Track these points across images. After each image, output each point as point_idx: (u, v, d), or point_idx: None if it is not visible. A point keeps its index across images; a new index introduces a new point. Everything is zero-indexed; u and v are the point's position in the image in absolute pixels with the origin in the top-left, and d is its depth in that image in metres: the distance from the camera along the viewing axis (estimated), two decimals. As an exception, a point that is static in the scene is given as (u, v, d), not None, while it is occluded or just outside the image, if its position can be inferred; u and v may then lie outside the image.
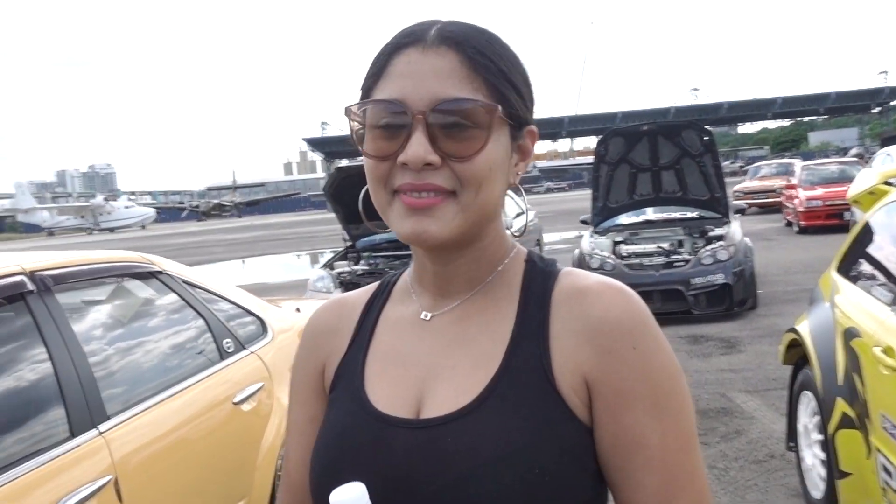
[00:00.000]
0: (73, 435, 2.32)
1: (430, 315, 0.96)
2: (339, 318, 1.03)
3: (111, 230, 76.30)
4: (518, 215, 9.23)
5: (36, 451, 2.19)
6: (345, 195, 8.24)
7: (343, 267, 8.72)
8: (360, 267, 8.60)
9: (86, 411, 2.40)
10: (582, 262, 8.50)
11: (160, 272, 3.15)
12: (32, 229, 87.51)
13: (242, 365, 3.28)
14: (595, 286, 0.90)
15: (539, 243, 11.33)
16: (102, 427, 2.42)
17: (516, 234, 1.01)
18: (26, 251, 2.93)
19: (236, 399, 3.12)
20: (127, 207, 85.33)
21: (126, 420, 2.53)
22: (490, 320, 0.92)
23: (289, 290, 13.39)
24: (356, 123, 0.91)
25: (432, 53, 0.86)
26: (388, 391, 0.92)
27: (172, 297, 3.16)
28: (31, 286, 2.45)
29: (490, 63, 0.87)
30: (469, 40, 0.87)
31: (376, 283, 1.06)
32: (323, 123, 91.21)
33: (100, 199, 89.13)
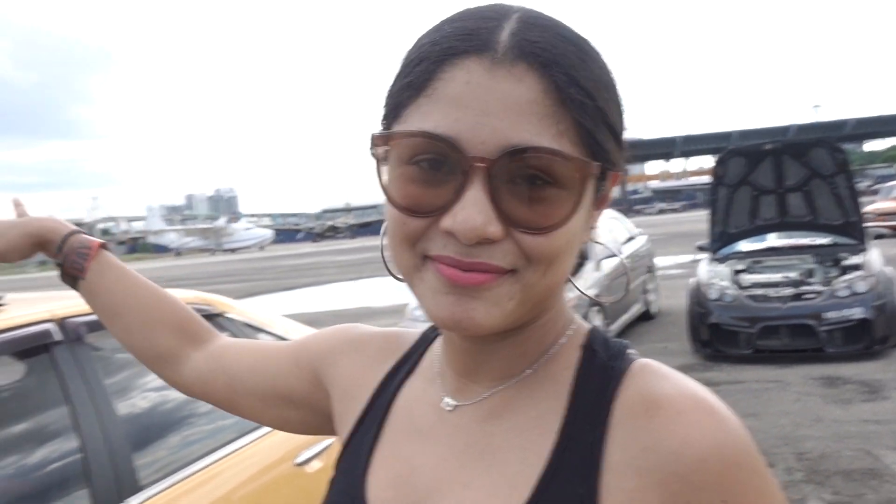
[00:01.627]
0: (96, 511, 2.02)
1: (453, 405, 0.76)
2: (380, 357, 0.86)
3: (232, 251, 79.49)
4: (606, 257, 8.66)
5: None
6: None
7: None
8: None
9: (112, 485, 2.09)
10: (699, 292, 7.82)
11: (219, 314, 2.84)
12: (162, 250, 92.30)
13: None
14: (674, 399, 0.64)
15: (651, 269, 10.63)
16: (132, 502, 2.11)
17: (600, 299, 0.67)
18: (63, 292, 2.68)
19: (298, 459, 2.76)
20: (247, 229, 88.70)
21: (161, 492, 2.21)
22: (525, 429, 0.70)
23: (392, 315, 13.23)
24: (380, 149, 0.66)
25: (504, 73, 0.61)
26: (387, 494, 0.75)
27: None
28: (59, 336, 2.17)
29: (586, 98, 0.63)
30: (559, 59, 0.62)
31: (420, 334, 0.87)
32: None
33: (222, 221, 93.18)
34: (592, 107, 0.63)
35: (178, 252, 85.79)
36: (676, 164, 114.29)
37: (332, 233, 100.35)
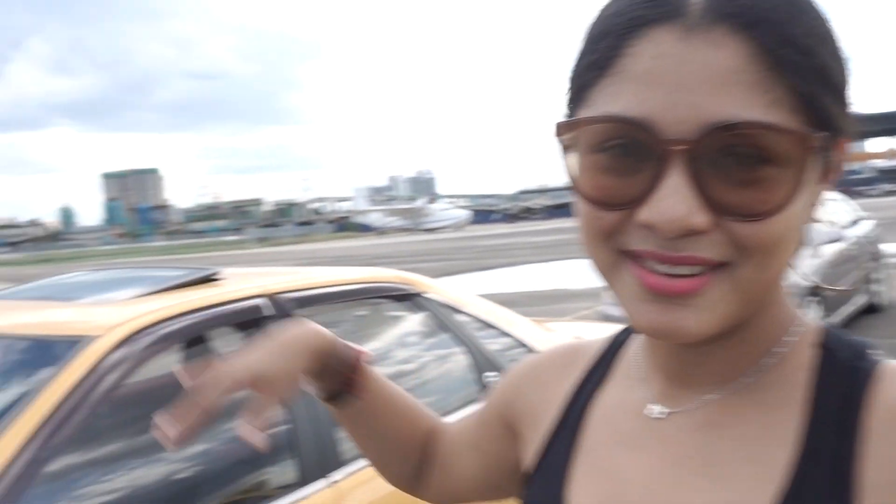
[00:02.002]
0: (303, 482, 2.06)
1: (664, 412, 0.67)
2: (563, 372, 0.79)
3: (431, 231, 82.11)
4: (826, 242, 7.86)
5: (262, 498, 1.97)
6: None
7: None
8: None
9: (317, 458, 2.12)
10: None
11: (418, 294, 2.83)
12: (366, 229, 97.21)
13: (505, 404, 2.85)
14: None
15: (877, 257, 9.61)
16: (335, 476, 2.14)
17: (826, 286, 0.57)
18: (273, 268, 2.78)
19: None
20: (444, 210, 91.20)
21: (362, 469, 2.22)
22: (753, 439, 0.62)
23: (587, 298, 12.97)
24: (566, 137, 0.60)
25: (699, 41, 0.54)
26: None
27: (432, 323, 2.82)
28: (270, 312, 2.24)
29: (802, 58, 0.54)
30: (766, 16, 0.53)
31: (609, 339, 0.79)
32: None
33: (421, 202, 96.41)
34: (810, 67, 0.55)
35: (381, 231, 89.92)
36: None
37: (527, 214, 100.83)
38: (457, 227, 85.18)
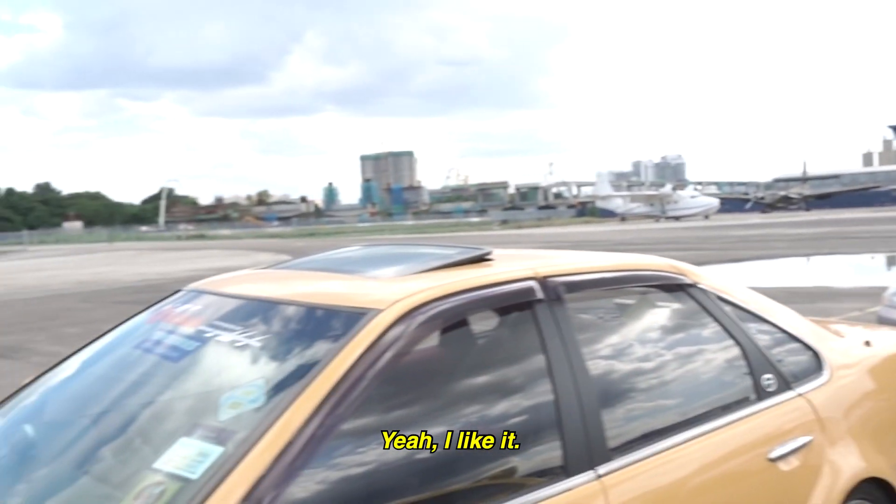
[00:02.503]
0: (567, 474, 2.00)
1: None
2: None
3: (676, 218, 78.91)
4: None
5: (525, 487, 1.93)
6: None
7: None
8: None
9: (584, 448, 2.05)
10: None
11: (691, 285, 2.65)
12: (607, 214, 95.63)
13: (785, 410, 2.59)
14: None
15: None
16: (601, 469, 2.05)
17: None
18: (541, 251, 2.73)
19: (773, 454, 2.46)
20: (692, 197, 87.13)
21: (631, 464, 2.12)
22: None
23: (857, 299, 11.72)
24: None
25: None
26: None
27: (703, 316, 2.64)
28: (540, 295, 2.19)
29: None
30: None
31: None
32: (917, 107, 79.64)
33: (668, 188, 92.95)
34: None
35: (623, 217, 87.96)
36: None
37: (784, 204, 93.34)
38: (705, 215, 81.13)
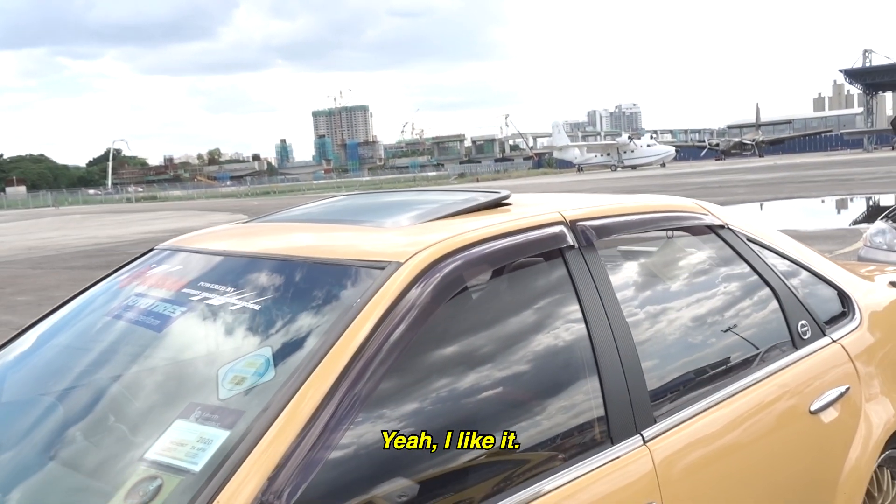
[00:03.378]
0: (612, 442, 1.77)
1: None
2: None
3: (633, 167, 79.38)
4: None
5: (568, 458, 1.70)
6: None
7: (913, 220, 6.96)
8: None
9: (628, 410, 1.83)
10: None
11: (721, 226, 2.43)
12: (565, 165, 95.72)
13: (822, 358, 2.41)
14: None
15: None
16: (647, 433, 1.83)
17: None
18: (561, 194, 2.47)
19: (814, 406, 2.28)
20: (648, 146, 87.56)
21: (676, 426, 1.90)
22: None
23: (827, 241, 11.76)
24: None
25: None
26: None
27: (735, 260, 2.42)
28: (570, 240, 1.94)
29: None
30: None
31: None
32: (865, 51, 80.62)
33: (624, 137, 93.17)
34: None
35: (581, 167, 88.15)
36: None
37: (739, 150, 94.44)
38: (662, 163, 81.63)
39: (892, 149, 63.32)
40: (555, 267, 1.92)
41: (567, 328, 1.89)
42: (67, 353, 2.05)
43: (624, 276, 2.31)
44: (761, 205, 21.75)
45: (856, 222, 15.62)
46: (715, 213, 2.46)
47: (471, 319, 1.82)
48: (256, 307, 1.70)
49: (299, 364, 1.44)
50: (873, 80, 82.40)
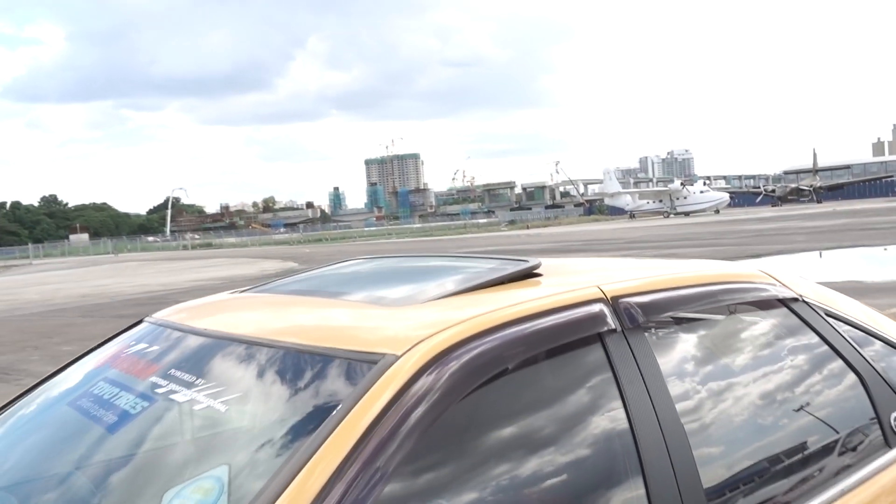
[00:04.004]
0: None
1: None
2: None
3: (686, 214, 78.14)
4: None
5: None
6: None
7: None
8: None
9: None
10: None
11: (795, 299, 2.06)
12: (616, 212, 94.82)
13: (922, 459, 1.99)
14: None
15: None
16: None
17: None
18: (601, 260, 2.14)
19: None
20: (702, 192, 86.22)
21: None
22: None
23: (890, 293, 11.06)
24: None
25: None
26: None
27: (811, 338, 2.04)
28: (612, 321, 1.60)
29: None
30: None
31: None
32: (927, 94, 78.55)
33: (677, 183, 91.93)
34: None
35: (633, 214, 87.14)
36: None
37: (796, 196, 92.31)
38: (716, 209, 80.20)
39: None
40: (592, 354, 1.58)
41: (606, 429, 1.54)
42: (24, 439, 1.79)
43: (678, 355, 1.94)
44: (820, 253, 20.92)
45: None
46: (786, 283, 2.09)
47: (486, 420, 1.48)
48: (223, 408, 1.39)
49: (256, 495, 1.12)
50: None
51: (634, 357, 1.61)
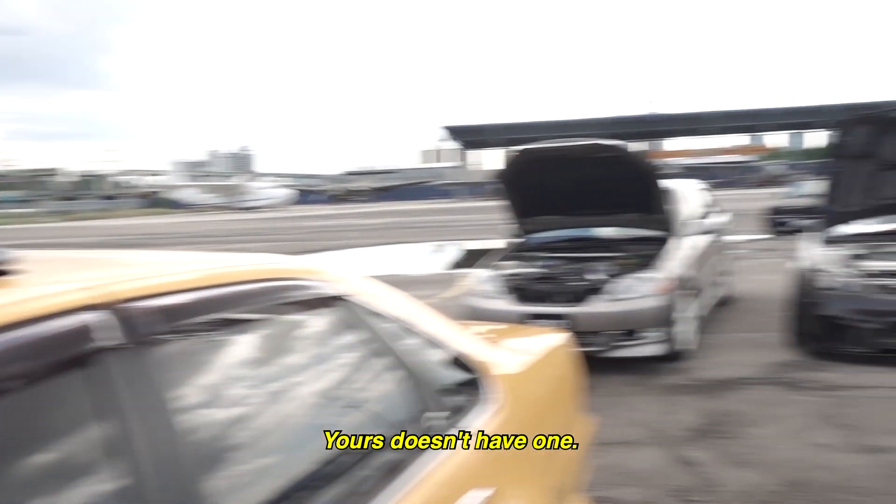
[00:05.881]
0: None
1: None
2: None
3: (249, 209, 78.85)
4: (693, 233, 7.64)
5: None
6: (522, 182, 6.91)
7: (511, 268, 7.30)
8: (534, 269, 7.16)
9: None
10: (807, 280, 6.80)
11: (342, 297, 1.88)
12: (179, 206, 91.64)
13: (459, 456, 1.97)
14: None
15: (726, 249, 9.59)
16: None
17: None
18: (107, 254, 1.73)
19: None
20: (267, 188, 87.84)
21: None
22: None
23: (428, 285, 12.22)
24: None
25: None
26: None
27: (353, 340, 1.88)
28: (111, 335, 1.22)
29: None
30: None
31: None
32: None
33: (241, 178, 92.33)
34: None
35: (196, 208, 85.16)
36: (702, 142, 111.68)
37: (352, 196, 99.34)
38: (277, 206, 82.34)
39: (478, 201, 71.23)
40: (80, 387, 1.17)
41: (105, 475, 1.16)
42: None
43: (202, 367, 1.61)
44: (369, 250, 22.61)
45: (456, 266, 16.79)
46: (335, 280, 1.91)
47: None
48: None
49: None
50: (468, 137, 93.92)
51: (142, 375, 1.25)
